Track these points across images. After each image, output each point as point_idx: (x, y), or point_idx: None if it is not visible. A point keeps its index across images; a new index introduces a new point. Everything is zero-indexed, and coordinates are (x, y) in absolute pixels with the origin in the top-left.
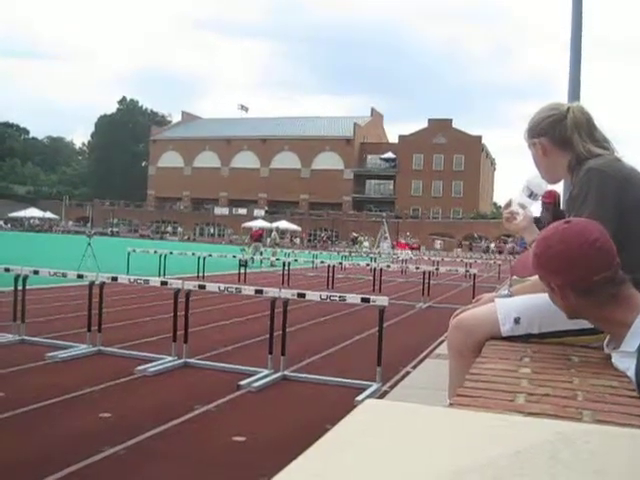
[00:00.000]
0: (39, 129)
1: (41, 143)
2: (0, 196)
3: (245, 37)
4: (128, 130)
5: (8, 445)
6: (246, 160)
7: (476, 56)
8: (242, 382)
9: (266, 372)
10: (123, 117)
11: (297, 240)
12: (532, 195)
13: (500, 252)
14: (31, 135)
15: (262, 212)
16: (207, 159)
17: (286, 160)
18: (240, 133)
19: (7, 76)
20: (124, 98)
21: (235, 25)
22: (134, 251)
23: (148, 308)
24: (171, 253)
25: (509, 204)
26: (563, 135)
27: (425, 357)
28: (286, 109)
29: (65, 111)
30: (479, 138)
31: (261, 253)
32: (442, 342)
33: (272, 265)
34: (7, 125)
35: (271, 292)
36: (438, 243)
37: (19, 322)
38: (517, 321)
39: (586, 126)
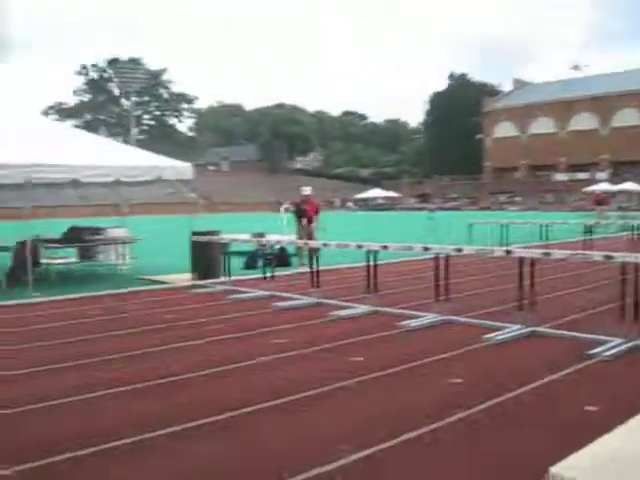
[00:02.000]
0: (376, 113)
1: (379, 127)
2: (347, 179)
3: None
4: (459, 104)
5: (359, 408)
6: (583, 121)
7: None
8: (593, 351)
9: (618, 341)
10: (454, 92)
11: None
12: None
13: None
14: (369, 120)
15: (604, 175)
16: (542, 125)
17: (626, 117)
18: (574, 94)
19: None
20: (452, 73)
21: None
22: (474, 223)
23: (490, 278)
24: (512, 223)
25: None
26: None
27: None
28: (618, 64)
29: (398, 94)
30: None
31: (607, 217)
32: None
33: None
34: (349, 113)
35: (621, 257)
36: None
37: (372, 294)
38: None
39: None
